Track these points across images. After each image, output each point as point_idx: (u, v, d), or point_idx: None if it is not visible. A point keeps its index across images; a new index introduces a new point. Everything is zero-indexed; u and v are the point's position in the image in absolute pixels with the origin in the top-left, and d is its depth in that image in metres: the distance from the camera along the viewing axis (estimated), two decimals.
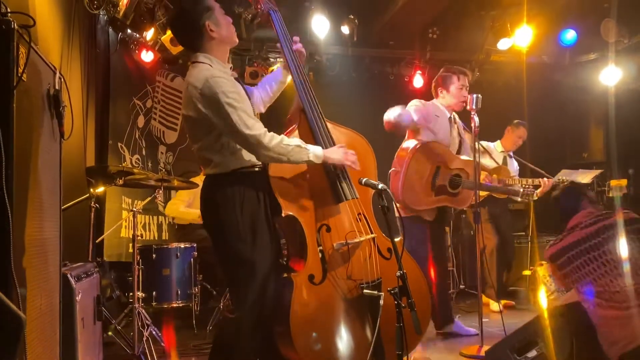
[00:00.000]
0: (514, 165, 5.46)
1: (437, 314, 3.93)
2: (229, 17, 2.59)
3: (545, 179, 4.85)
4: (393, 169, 3.82)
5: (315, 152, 2.49)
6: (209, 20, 2.46)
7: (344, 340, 2.52)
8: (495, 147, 5.45)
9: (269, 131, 2.45)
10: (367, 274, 2.60)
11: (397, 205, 3.80)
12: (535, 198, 4.84)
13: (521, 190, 4.37)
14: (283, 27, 2.82)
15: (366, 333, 2.54)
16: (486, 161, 5.11)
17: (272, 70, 6.51)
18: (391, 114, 3.61)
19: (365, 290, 2.52)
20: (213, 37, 2.48)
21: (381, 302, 2.43)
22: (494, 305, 5.14)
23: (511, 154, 5.47)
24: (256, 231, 2.43)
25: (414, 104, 3.87)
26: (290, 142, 2.45)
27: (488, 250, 5.34)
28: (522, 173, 5.51)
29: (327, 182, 2.63)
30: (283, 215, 2.52)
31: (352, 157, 2.61)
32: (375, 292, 2.49)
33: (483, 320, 3.51)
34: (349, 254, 2.60)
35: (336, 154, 2.57)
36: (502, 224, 5.45)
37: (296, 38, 2.86)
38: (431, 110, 3.87)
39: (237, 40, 2.63)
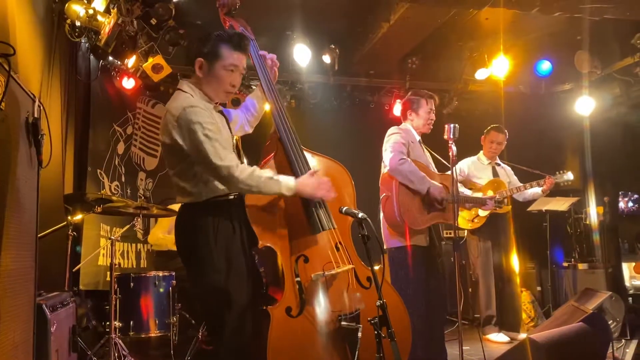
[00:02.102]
0: (507, 172, 5.37)
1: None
2: (238, 79, 2.54)
3: (545, 179, 4.96)
4: (384, 194, 3.77)
5: (287, 183, 2.45)
6: (204, 59, 2.47)
7: None
8: (481, 160, 5.36)
9: (248, 159, 2.45)
10: (346, 306, 2.57)
11: (390, 232, 3.76)
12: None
13: (487, 202, 4.44)
14: (259, 56, 2.81)
15: None
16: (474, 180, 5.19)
17: None
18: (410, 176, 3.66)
19: (343, 323, 2.49)
20: (198, 74, 2.50)
21: (359, 334, 2.41)
22: (499, 336, 5.03)
23: (498, 162, 5.39)
24: (231, 261, 2.40)
25: (395, 139, 3.81)
26: (262, 173, 2.42)
27: (484, 287, 5.19)
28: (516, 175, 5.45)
29: (304, 212, 2.60)
30: (260, 246, 2.49)
31: (324, 187, 2.55)
32: (354, 324, 2.47)
33: (464, 348, 3.50)
34: (327, 285, 2.57)
35: (308, 187, 2.50)
36: (502, 253, 5.23)
37: (264, 52, 2.82)
38: (408, 136, 3.90)
39: (224, 100, 2.61)
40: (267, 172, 2.45)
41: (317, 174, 2.61)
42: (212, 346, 2.44)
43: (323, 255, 2.59)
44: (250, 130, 2.90)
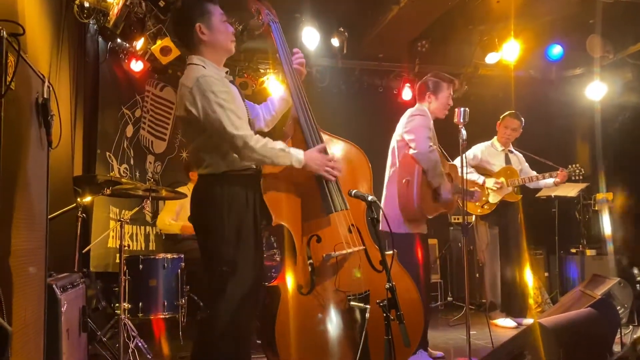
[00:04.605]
0: (519, 159, 5.34)
1: None
2: (231, 27, 2.63)
3: (558, 171, 5.01)
4: (405, 179, 3.67)
5: (297, 156, 2.51)
6: (201, 22, 2.52)
7: (329, 352, 2.50)
8: (495, 146, 5.31)
9: None
10: (356, 286, 2.59)
11: (402, 218, 3.70)
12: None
13: (474, 195, 4.45)
14: (282, 38, 2.86)
15: (353, 346, 2.51)
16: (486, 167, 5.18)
17: (262, 81, 6.54)
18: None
19: (351, 303, 2.51)
20: (203, 39, 2.53)
21: (367, 314, 2.42)
22: (506, 321, 5.03)
23: (512, 149, 5.34)
24: (241, 234, 2.44)
25: (422, 122, 3.70)
26: (275, 145, 2.48)
27: (490, 274, 5.19)
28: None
29: (318, 192, 2.63)
30: (273, 224, 2.51)
31: (330, 166, 2.60)
32: (362, 304, 2.49)
33: (471, 332, 3.51)
34: (338, 265, 2.59)
35: (314, 163, 2.56)
36: (512, 243, 5.17)
37: (296, 50, 2.90)
38: (429, 121, 3.79)
39: (233, 50, 2.66)
40: (279, 144, 2.50)
41: (327, 152, 2.66)
42: (209, 311, 2.46)
43: (335, 236, 2.61)
44: (264, 128, 2.90)
